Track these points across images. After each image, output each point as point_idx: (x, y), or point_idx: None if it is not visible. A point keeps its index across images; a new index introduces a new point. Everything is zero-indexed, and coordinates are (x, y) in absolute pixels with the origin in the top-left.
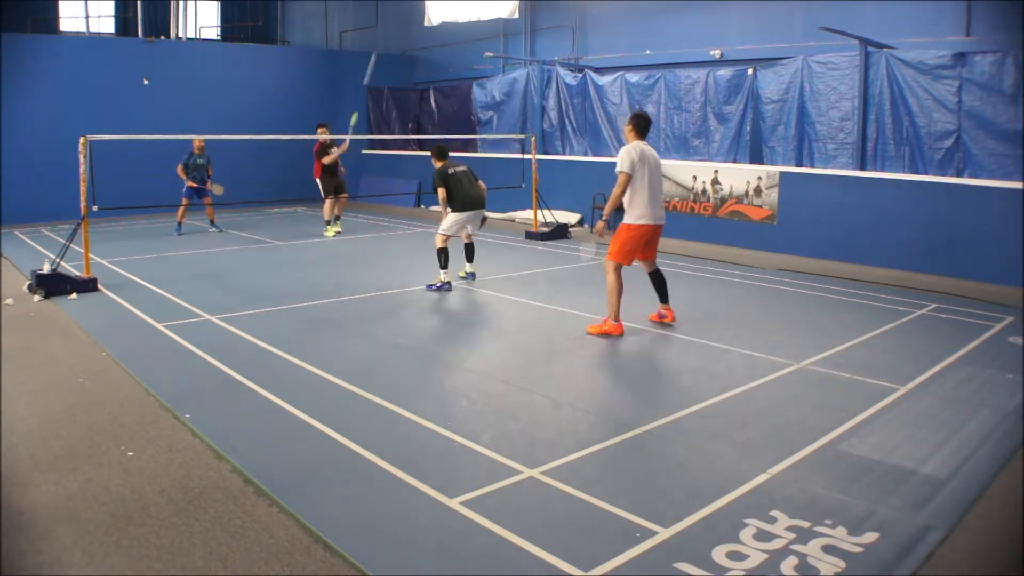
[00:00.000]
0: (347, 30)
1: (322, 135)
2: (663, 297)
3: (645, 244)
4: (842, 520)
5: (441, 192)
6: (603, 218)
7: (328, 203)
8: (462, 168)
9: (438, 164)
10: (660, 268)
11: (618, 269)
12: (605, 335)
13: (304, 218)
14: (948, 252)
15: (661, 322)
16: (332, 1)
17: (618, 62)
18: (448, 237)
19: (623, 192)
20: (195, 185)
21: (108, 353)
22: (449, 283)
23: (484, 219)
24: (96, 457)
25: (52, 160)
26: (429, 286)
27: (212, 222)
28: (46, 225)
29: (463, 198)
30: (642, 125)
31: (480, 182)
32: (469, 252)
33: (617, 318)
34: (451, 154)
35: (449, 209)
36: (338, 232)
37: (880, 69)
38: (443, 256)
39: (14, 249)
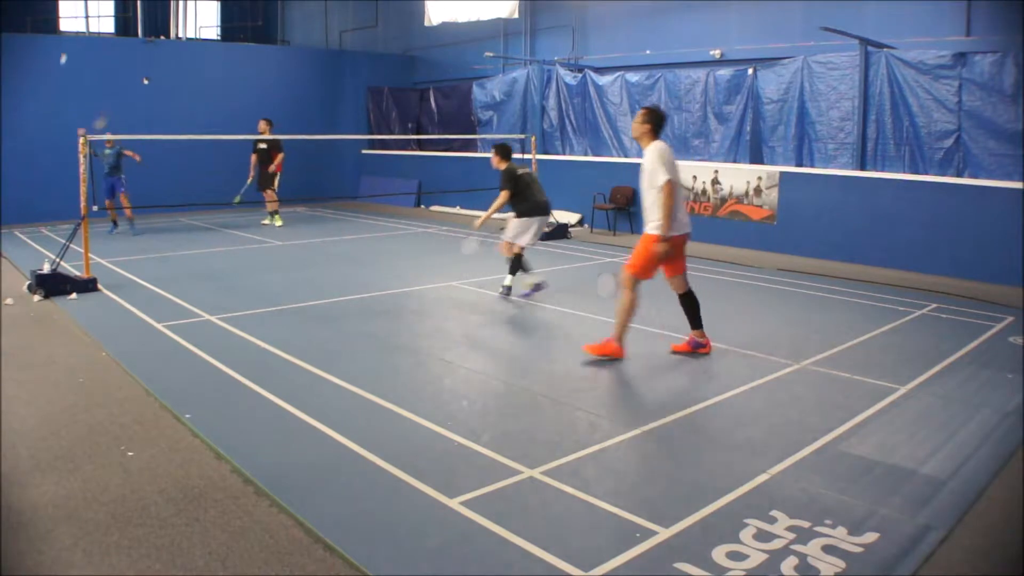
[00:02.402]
0: (347, 30)
1: (262, 131)
2: (695, 323)
3: (674, 256)
4: (842, 520)
5: (505, 195)
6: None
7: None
8: (528, 170)
9: (503, 165)
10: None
11: (637, 285)
12: (607, 357)
13: (304, 218)
14: (948, 252)
15: (695, 352)
16: (332, 1)
17: (618, 62)
18: (514, 244)
19: (672, 202)
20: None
21: (108, 353)
22: (540, 283)
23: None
24: (96, 457)
25: (52, 160)
26: (524, 294)
27: (115, 223)
28: (46, 225)
29: (532, 202)
30: (661, 121)
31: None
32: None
33: (622, 340)
34: (450, 154)
35: (513, 214)
36: (264, 224)
37: (880, 69)
38: (518, 262)
39: (14, 249)
